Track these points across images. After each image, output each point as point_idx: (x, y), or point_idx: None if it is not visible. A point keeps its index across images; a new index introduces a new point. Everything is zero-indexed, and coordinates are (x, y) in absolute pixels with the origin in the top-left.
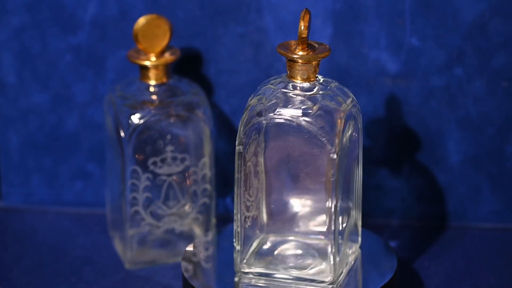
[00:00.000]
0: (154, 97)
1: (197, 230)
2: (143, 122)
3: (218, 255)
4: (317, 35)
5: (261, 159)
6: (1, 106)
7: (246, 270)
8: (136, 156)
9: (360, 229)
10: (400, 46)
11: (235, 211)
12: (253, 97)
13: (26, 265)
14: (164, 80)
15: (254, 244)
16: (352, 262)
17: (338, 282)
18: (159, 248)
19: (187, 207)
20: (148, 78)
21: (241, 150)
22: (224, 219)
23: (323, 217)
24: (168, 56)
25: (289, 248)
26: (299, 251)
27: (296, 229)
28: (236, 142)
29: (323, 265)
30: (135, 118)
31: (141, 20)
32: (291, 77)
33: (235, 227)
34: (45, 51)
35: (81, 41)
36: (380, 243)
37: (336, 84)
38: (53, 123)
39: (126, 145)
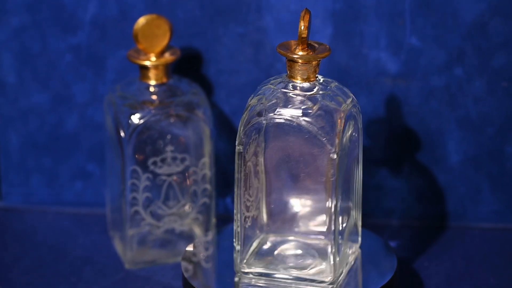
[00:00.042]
0: (154, 97)
1: (197, 230)
2: (143, 122)
3: (218, 255)
4: (317, 35)
5: (261, 159)
6: (1, 106)
7: (246, 270)
8: (136, 156)
9: (360, 229)
10: (400, 46)
11: (235, 211)
12: (253, 97)
13: (26, 265)
14: (164, 80)
15: (254, 244)
16: (352, 262)
17: (338, 282)
18: (159, 248)
19: (187, 207)
20: (148, 78)
21: (241, 150)
22: (224, 219)
23: (323, 217)
24: (168, 56)
25: (289, 248)
26: (299, 251)
27: (296, 229)
28: (236, 142)
29: (323, 265)
30: (135, 118)
31: (141, 20)
32: (291, 77)
33: (235, 227)
34: (45, 51)
35: (81, 41)
36: (380, 243)
37: (336, 84)
38: (53, 123)
39: (126, 145)
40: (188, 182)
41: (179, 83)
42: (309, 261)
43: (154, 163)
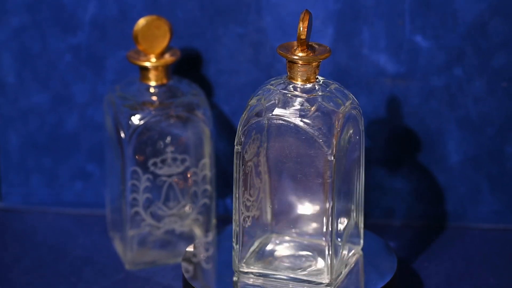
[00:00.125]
0: (154, 98)
1: (197, 231)
2: (143, 123)
3: (218, 256)
4: (317, 36)
5: (263, 159)
6: (1, 106)
7: (245, 270)
8: (136, 157)
9: (362, 231)
10: (400, 46)
11: (233, 211)
12: (253, 98)
13: (26, 265)
14: (164, 81)
15: (256, 244)
16: (353, 264)
17: (336, 284)
18: (159, 249)
19: (187, 208)
20: (148, 79)
21: (240, 150)
22: (224, 220)
23: (321, 219)
24: (168, 57)
25: (288, 249)
26: (297, 252)
27: (295, 230)
28: (235, 142)
29: (321, 266)
30: (135, 119)
31: (141, 21)
32: (291, 78)
33: (233, 226)
34: (45, 51)
35: (81, 41)
36: (380, 243)
37: (337, 85)
38: (53, 123)
39: (126, 146)
40: (188, 183)
41: (179, 84)
42: (306, 262)
43: (154, 164)
